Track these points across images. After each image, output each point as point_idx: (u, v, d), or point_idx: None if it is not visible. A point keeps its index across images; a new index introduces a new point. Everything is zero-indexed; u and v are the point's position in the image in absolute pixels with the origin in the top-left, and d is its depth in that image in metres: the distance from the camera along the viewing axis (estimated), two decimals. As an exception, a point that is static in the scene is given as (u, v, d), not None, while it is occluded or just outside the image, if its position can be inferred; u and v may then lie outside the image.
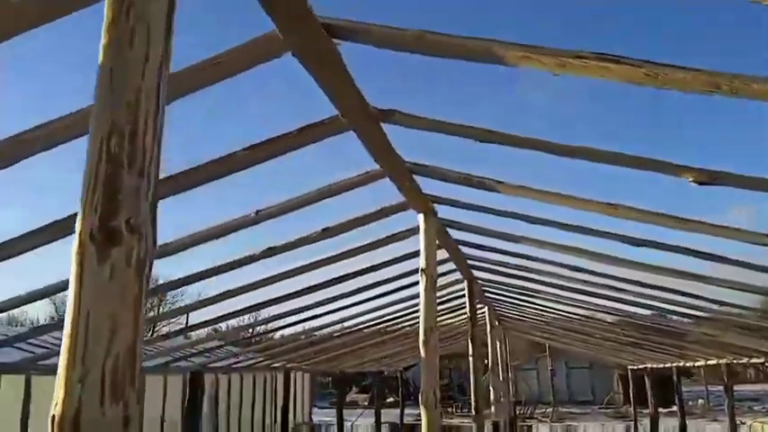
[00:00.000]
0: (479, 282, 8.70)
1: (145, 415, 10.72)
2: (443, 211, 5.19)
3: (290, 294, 6.62)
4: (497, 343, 15.49)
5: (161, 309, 34.50)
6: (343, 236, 5.10)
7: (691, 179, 2.64)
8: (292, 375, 17.32)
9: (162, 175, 3.16)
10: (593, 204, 3.54)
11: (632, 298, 6.60)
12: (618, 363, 20.88)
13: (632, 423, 20.81)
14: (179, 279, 5.37)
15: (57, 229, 3.19)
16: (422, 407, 4.26)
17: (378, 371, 23.18)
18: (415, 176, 3.93)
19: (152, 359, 8.27)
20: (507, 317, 14.30)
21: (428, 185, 4.32)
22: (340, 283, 6.26)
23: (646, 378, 17.57)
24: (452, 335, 15.60)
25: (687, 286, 5.63)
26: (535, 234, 5.21)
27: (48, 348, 7.55)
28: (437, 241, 5.80)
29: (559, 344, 19.47)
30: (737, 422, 21.13)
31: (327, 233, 4.53)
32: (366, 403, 32.50)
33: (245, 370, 11.03)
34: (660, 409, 20.53)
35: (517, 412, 22.34)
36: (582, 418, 24.01)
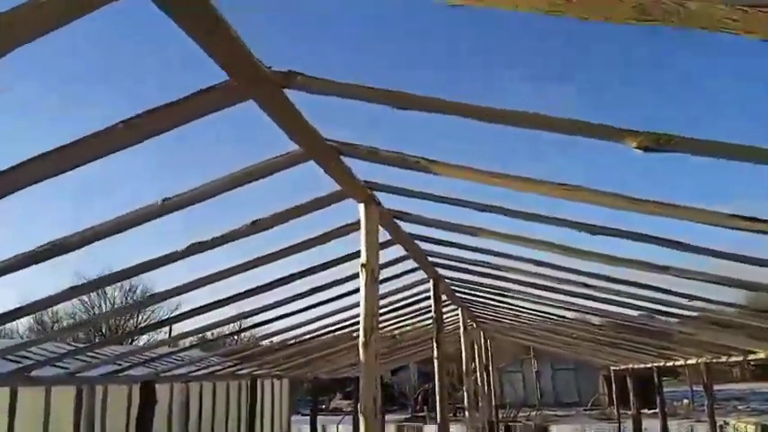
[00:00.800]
0: (447, 281, 8.31)
1: (107, 427, 10.22)
2: (394, 202, 4.79)
3: (239, 294, 6.15)
4: (475, 346, 15.12)
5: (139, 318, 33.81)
6: (291, 232, 4.70)
7: (634, 145, 2.26)
8: (268, 383, 16.81)
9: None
10: (537, 185, 3.14)
11: (599, 294, 6.23)
12: (601, 363, 20.60)
13: (617, 425, 20.54)
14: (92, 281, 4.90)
15: None
16: (360, 416, 3.84)
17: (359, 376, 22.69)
18: (347, 161, 3.53)
19: (100, 367, 7.77)
20: (484, 318, 13.92)
21: (367, 171, 3.93)
22: (289, 283, 5.80)
23: (627, 379, 17.26)
24: (427, 338, 15.21)
25: (654, 279, 5.26)
26: (493, 225, 4.82)
27: (33, 360, 7.02)
28: (390, 236, 5.41)
29: (540, 345, 19.14)
30: (722, 422, 20.96)
31: (258, 226, 4.10)
32: (350, 409, 32.03)
33: (207, 378, 10.50)
34: (645, 410, 20.28)
35: (500, 416, 21.96)
36: (565, 421, 23.70)
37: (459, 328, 11.46)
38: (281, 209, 4.07)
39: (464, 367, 10.74)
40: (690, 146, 2.22)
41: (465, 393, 10.69)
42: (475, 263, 6.59)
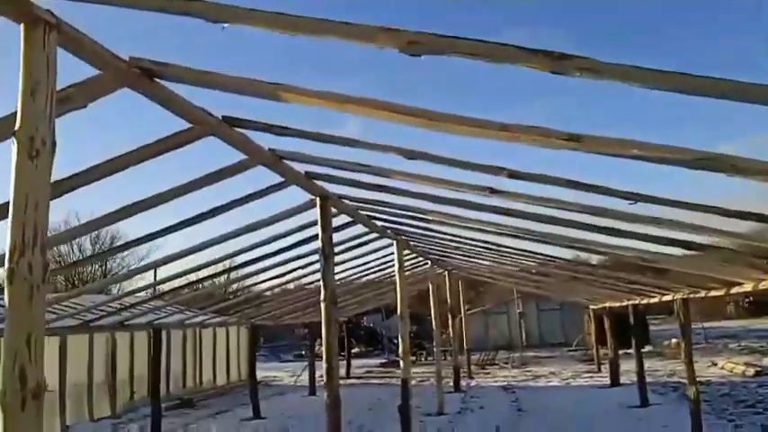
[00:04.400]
0: (351, 202, 6.58)
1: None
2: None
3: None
4: (430, 287, 13.57)
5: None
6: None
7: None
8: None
9: None
10: None
11: (512, 204, 4.51)
12: (580, 302, 19.21)
13: (595, 365, 19.35)
14: None
15: None
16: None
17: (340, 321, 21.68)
18: None
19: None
20: (438, 255, 12.29)
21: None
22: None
23: (605, 318, 15.84)
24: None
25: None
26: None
27: None
28: (195, 124, 3.64)
29: (509, 284, 17.67)
30: (710, 362, 19.71)
31: None
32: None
33: (84, 330, 8.83)
34: (628, 351, 18.98)
35: (475, 359, 20.78)
36: (546, 362, 22.53)
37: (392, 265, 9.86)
38: None
39: (399, 309, 9.17)
40: None
41: (400, 338, 9.16)
42: (357, 166, 4.78)
